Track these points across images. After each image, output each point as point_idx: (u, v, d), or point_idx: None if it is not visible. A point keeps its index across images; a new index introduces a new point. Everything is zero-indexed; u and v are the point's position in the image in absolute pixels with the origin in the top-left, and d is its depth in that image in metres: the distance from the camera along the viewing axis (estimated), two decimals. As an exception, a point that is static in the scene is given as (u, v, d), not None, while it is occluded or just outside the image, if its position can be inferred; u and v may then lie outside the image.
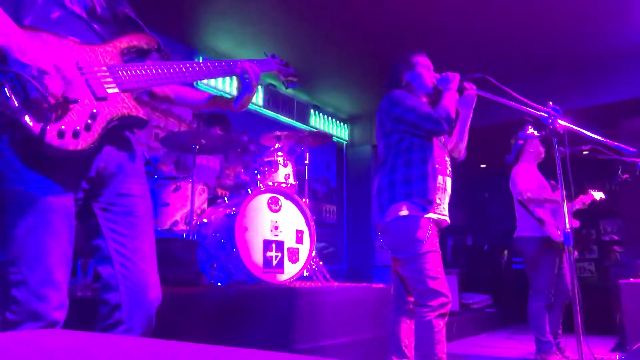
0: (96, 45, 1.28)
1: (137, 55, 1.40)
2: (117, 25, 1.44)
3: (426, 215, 2.16)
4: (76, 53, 1.22)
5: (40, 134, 1.08)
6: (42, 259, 1.14)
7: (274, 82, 6.07)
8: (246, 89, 1.65)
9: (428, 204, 2.16)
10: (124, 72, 1.28)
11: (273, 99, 6.19)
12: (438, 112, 2.18)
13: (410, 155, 2.22)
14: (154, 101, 1.60)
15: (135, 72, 1.31)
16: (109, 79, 1.25)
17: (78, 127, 1.14)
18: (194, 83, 5.36)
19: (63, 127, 1.11)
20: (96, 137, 1.17)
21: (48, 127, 1.09)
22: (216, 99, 1.69)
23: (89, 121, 1.16)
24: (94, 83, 1.21)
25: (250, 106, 5.92)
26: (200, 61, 1.54)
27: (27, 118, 1.08)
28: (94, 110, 1.18)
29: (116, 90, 1.25)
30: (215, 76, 1.57)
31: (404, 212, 2.16)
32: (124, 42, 1.34)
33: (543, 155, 3.71)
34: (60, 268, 1.17)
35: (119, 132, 1.33)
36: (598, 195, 3.79)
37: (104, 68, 1.26)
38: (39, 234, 1.15)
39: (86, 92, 1.19)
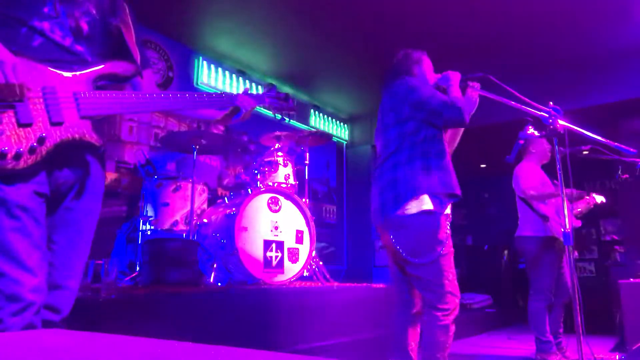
0: (70, 71, 1.35)
1: (114, 81, 1.46)
2: (107, 42, 1.50)
3: (444, 212, 2.04)
4: (46, 78, 1.30)
5: None
6: (14, 249, 1.23)
7: (273, 82, 6.06)
8: (237, 117, 1.79)
9: (449, 198, 2.04)
10: (88, 99, 1.34)
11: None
12: (457, 103, 2.08)
13: (428, 146, 2.09)
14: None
15: (101, 100, 1.37)
16: (71, 105, 1.31)
17: (21, 149, 1.21)
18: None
19: (6, 148, 1.19)
20: (38, 159, 1.24)
21: None
22: (223, 116, 1.82)
23: (35, 144, 1.23)
24: (53, 108, 1.28)
25: (250, 106, 5.91)
26: (194, 93, 1.60)
27: None
28: (43, 135, 1.25)
29: (75, 115, 1.32)
30: (203, 107, 1.64)
31: (428, 205, 1.99)
32: (99, 70, 1.41)
33: (549, 155, 3.70)
34: (31, 256, 1.25)
35: (78, 154, 1.41)
36: (599, 198, 3.79)
37: (70, 94, 1.32)
38: (8, 227, 1.23)
39: (43, 116, 1.26)
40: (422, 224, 1.99)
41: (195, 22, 4.83)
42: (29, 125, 1.24)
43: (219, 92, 1.71)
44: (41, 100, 1.28)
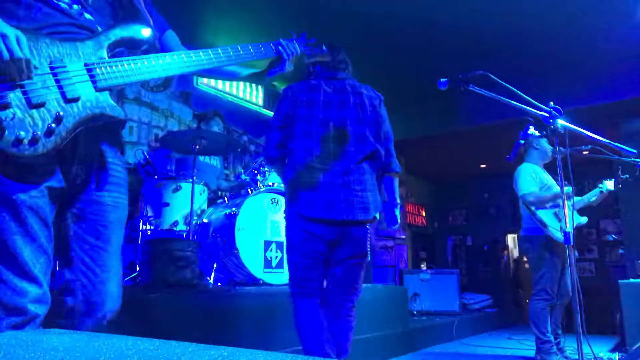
0: (79, 41, 1.21)
1: (129, 47, 1.33)
2: (118, 14, 1.40)
3: None
4: (52, 51, 1.16)
5: None
6: (17, 255, 1.14)
7: (275, 83, 6.06)
8: (281, 68, 1.69)
9: None
10: (103, 70, 1.21)
11: (273, 99, 6.19)
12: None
13: None
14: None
15: (117, 68, 1.23)
16: (85, 78, 1.18)
17: (38, 133, 1.09)
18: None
19: (22, 133, 1.07)
20: (58, 141, 1.12)
21: (5, 133, 1.06)
22: (254, 74, 1.74)
23: (53, 125, 1.11)
24: (66, 83, 1.15)
25: (250, 106, 5.92)
26: (219, 50, 1.46)
27: None
28: (60, 113, 1.12)
29: (91, 89, 1.19)
30: (234, 63, 1.52)
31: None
32: (110, 36, 1.26)
33: (550, 155, 3.68)
34: (36, 263, 1.17)
35: (96, 138, 1.31)
36: (610, 184, 3.74)
37: (81, 66, 1.19)
38: (12, 231, 1.14)
39: (55, 93, 1.14)
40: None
41: (195, 22, 4.83)
42: (41, 105, 1.11)
43: (256, 44, 1.57)
44: (51, 76, 1.14)
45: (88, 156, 1.30)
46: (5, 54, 1.06)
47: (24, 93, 1.10)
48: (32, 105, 1.10)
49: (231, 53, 1.48)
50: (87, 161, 1.29)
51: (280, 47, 1.66)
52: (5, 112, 1.06)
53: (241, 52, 1.51)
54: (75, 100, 1.15)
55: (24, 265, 1.14)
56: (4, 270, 1.13)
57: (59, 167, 1.23)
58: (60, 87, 1.14)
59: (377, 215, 2.18)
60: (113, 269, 1.33)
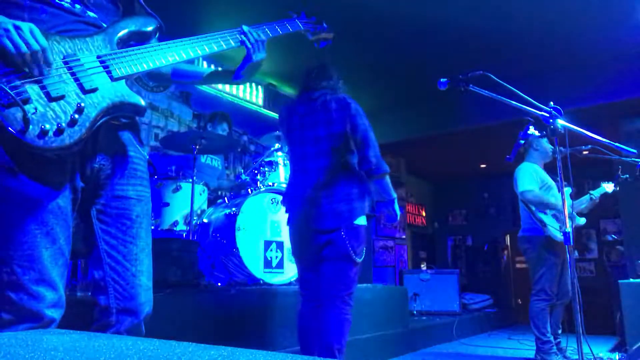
0: (88, 36, 1.24)
1: (138, 40, 1.34)
2: (119, 7, 1.41)
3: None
4: (63, 46, 1.18)
5: (19, 134, 1.04)
6: (36, 258, 1.12)
7: (275, 83, 6.06)
8: (247, 59, 1.57)
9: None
10: (116, 60, 1.23)
11: (273, 99, 6.19)
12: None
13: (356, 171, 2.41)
14: (152, 80, 1.54)
15: (129, 58, 1.25)
16: (99, 69, 1.20)
17: (62, 124, 1.09)
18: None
19: (47, 125, 1.07)
20: (83, 132, 1.12)
21: (30, 127, 1.05)
22: (216, 73, 1.65)
23: (75, 115, 1.11)
24: (82, 76, 1.17)
25: (250, 106, 5.91)
26: (198, 37, 1.43)
27: (3, 119, 1.04)
28: (81, 104, 1.13)
29: (107, 79, 1.20)
30: (216, 50, 1.47)
31: (363, 221, 2.38)
32: (118, 29, 1.29)
33: (551, 155, 3.68)
34: (55, 267, 1.15)
35: (116, 132, 1.31)
36: (610, 186, 3.75)
37: (94, 58, 1.21)
38: (33, 233, 1.13)
39: (73, 86, 1.15)
40: (365, 233, 2.43)
41: (194, 22, 4.83)
42: (61, 97, 1.12)
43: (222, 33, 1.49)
44: (66, 69, 1.16)
45: (110, 151, 1.29)
46: (23, 46, 1.07)
47: (42, 88, 1.11)
48: (51, 98, 1.11)
49: (219, 41, 1.48)
50: (109, 156, 1.29)
51: (243, 36, 1.54)
52: (27, 106, 1.07)
53: (212, 43, 1.47)
54: (94, 90, 1.17)
55: (43, 269, 1.13)
56: (22, 274, 1.11)
57: (80, 165, 1.23)
58: (76, 80, 1.16)
59: (363, 220, 2.36)
60: (144, 263, 1.32)
